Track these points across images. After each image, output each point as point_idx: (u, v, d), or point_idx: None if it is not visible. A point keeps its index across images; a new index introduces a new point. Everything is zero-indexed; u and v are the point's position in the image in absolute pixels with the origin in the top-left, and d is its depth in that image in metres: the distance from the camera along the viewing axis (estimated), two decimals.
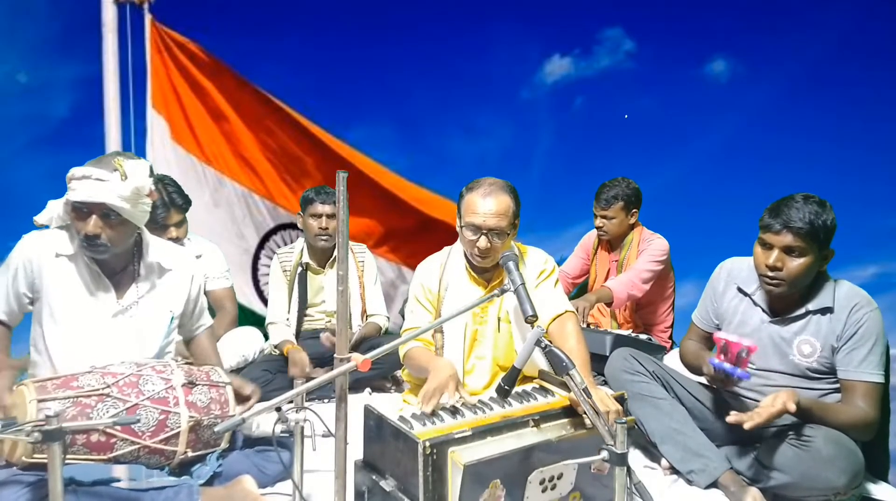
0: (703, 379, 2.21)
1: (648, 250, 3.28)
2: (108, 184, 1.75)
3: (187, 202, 2.83)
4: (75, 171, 1.76)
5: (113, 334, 1.87)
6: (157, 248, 2.01)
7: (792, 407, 1.74)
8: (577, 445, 1.66)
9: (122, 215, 1.79)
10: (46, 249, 1.84)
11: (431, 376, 1.88)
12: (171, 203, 2.72)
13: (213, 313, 2.98)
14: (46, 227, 1.88)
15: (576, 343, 2.00)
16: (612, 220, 3.32)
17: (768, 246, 1.92)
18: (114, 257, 1.89)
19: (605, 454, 1.30)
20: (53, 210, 1.85)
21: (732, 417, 1.79)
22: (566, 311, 2.11)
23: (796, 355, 1.97)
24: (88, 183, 1.74)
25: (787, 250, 1.88)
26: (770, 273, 1.91)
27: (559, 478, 1.61)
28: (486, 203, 2.02)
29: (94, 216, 1.77)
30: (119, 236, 1.82)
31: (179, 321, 2.05)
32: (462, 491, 1.48)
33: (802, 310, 1.96)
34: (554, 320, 2.09)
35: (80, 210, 1.77)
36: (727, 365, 1.83)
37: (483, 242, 2.01)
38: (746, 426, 1.74)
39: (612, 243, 3.47)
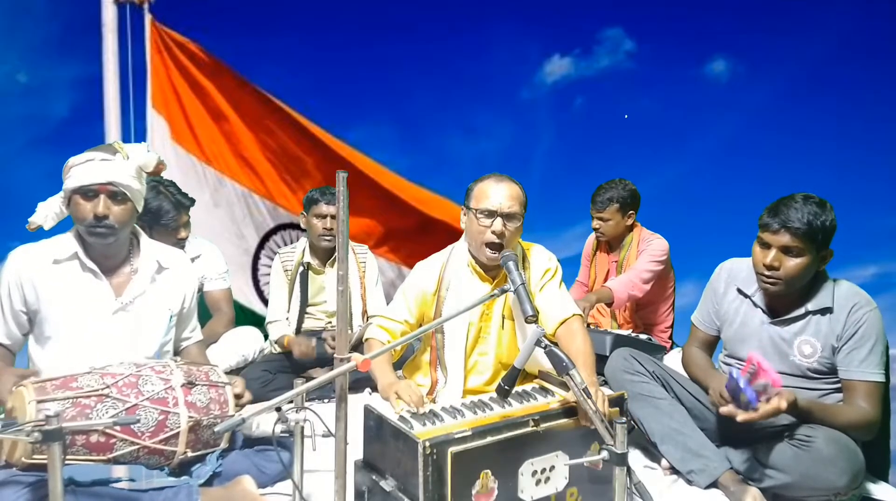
0: None
1: (648, 250, 3.28)
2: (114, 163, 1.81)
3: (191, 201, 2.85)
4: (75, 159, 1.79)
5: (113, 332, 1.87)
6: (153, 247, 2.02)
7: (783, 405, 1.73)
8: (566, 435, 1.66)
9: (126, 195, 1.83)
10: (36, 260, 1.83)
11: (396, 384, 1.90)
12: (178, 205, 2.74)
13: (209, 314, 2.98)
14: (41, 229, 1.88)
15: (581, 343, 1.99)
16: (609, 222, 3.33)
17: (766, 245, 1.91)
18: (112, 252, 1.89)
19: (604, 453, 1.30)
20: (49, 208, 1.85)
21: (725, 409, 1.79)
22: (573, 314, 2.09)
23: (797, 355, 1.97)
24: (93, 165, 1.78)
25: (785, 250, 1.88)
26: (767, 272, 1.91)
27: (551, 470, 1.61)
28: (500, 187, 2.04)
29: (101, 197, 1.80)
30: (124, 217, 1.85)
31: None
32: (452, 481, 1.48)
33: (802, 310, 1.96)
34: (561, 324, 2.07)
35: (86, 194, 1.79)
36: (743, 381, 1.78)
37: (498, 225, 2.00)
38: (739, 418, 1.75)
39: (611, 244, 3.47)
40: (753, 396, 1.75)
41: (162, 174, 2.89)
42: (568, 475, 1.64)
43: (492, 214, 2.02)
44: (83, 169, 1.78)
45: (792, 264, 1.88)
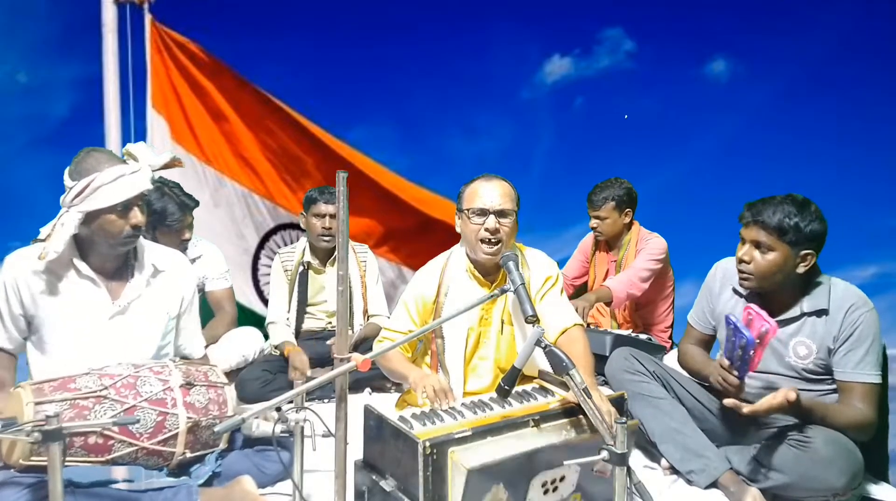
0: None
1: (647, 249, 3.29)
2: (141, 173, 1.82)
3: (196, 202, 2.86)
4: (100, 177, 1.75)
5: (111, 336, 1.86)
6: (149, 250, 2.01)
7: (792, 396, 1.74)
8: (581, 448, 1.65)
9: (147, 198, 1.87)
10: (32, 264, 1.81)
11: (427, 377, 1.90)
12: (183, 206, 2.74)
13: (212, 313, 2.98)
14: (37, 231, 1.85)
15: (582, 350, 1.98)
16: (605, 220, 3.34)
17: (742, 239, 1.96)
18: (112, 257, 1.89)
19: (605, 454, 1.30)
20: (64, 234, 1.76)
21: (730, 401, 1.79)
22: (574, 324, 2.09)
23: (792, 357, 1.97)
24: (125, 180, 1.78)
25: (756, 245, 1.91)
26: (739, 266, 1.96)
27: (561, 481, 1.60)
28: (490, 186, 2.04)
29: (135, 208, 1.82)
30: (146, 220, 1.89)
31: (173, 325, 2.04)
32: (465, 495, 1.47)
33: (797, 312, 1.95)
34: (562, 333, 2.07)
35: (119, 209, 1.79)
36: (742, 325, 1.76)
37: (491, 222, 2.00)
38: (745, 410, 1.75)
39: (609, 244, 3.48)
40: (752, 338, 1.73)
41: (164, 175, 2.91)
42: (575, 482, 1.63)
43: (484, 212, 2.02)
44: (115, 187, 1.76)
45: (761, 259, 1.90)
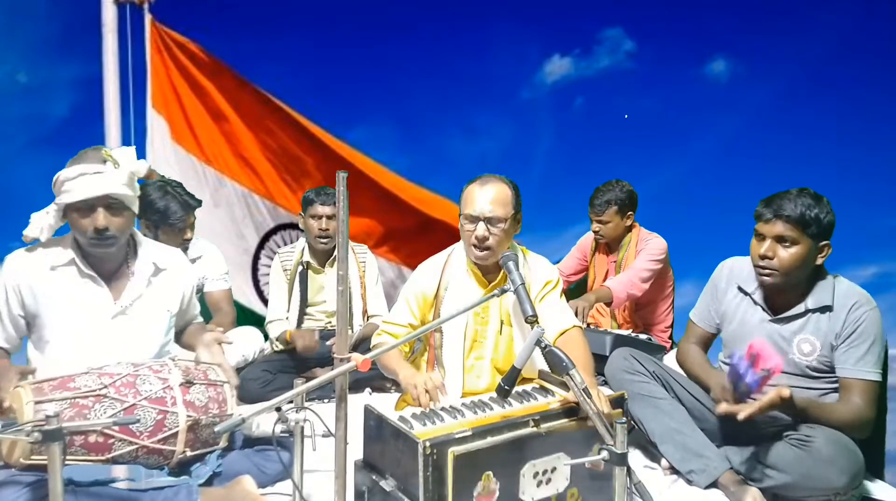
0: None
1: (647, 249, 3.28)
2: (107, 175, 1.77)
3: (198, 202, 2.87)
4: (66, 173, 1.76)
5: (113, 336, 1.86)
6: (149, 248, 2.01)
7: (785, 393, 1.75)
8: (569, 437, 1.66)
9: (123, 203, 1.81)
10: (34, 265, 1.82)
11: (416, 375, 1.89)
12: (186, 205, 2.75)
13: (211, 315, 2.98)
14: (37, 241, 1.85)
15: (581, 352, 1.98)
16: (608, 224, 3.34)
17: (761, 236, 1.94)
18: (110, 257, 1.89)
19: (604, 453, 1.30)
20: (44, 221, 1.81)
21: (723, 408, 1.79)
22: (573, 326, 2.09)
23: (796, 354, 1.97)
24: (86, 179, 1.75)
25: (779, 240, 1.89)
26: (762, 263, 1.93)
27: (553, 472, 1.61)
28: (484, 191, 2.03)
29: (100, 210, 1.78)
30: (124, 225, 1.84)
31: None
32: (454, 482, 1.48)
33: (802, 309, 1.96)
34: (560, 335, 2.07)
35: (82, 208, 1.77)
36: (744, 366, 1.77)
37: (481, 229, 2.00)
38: (740, 416, 1.75)
39: (609, 245, 3.48)
40: (755, 381, 1.75)
41: (165, 175, 2.91)
42: (569, 475, 1.64)
43: (474, 219, 2.02)
44: (76, 184, 1.75)
45: (786, 254, 1.89)
